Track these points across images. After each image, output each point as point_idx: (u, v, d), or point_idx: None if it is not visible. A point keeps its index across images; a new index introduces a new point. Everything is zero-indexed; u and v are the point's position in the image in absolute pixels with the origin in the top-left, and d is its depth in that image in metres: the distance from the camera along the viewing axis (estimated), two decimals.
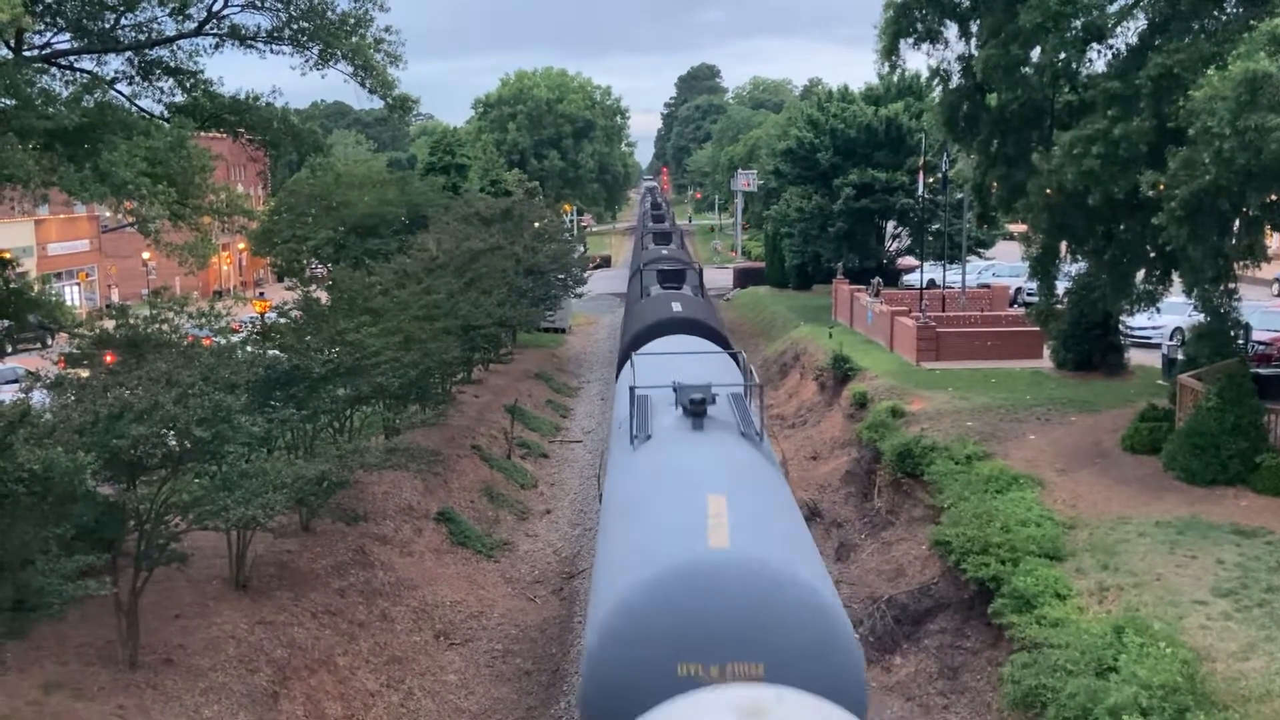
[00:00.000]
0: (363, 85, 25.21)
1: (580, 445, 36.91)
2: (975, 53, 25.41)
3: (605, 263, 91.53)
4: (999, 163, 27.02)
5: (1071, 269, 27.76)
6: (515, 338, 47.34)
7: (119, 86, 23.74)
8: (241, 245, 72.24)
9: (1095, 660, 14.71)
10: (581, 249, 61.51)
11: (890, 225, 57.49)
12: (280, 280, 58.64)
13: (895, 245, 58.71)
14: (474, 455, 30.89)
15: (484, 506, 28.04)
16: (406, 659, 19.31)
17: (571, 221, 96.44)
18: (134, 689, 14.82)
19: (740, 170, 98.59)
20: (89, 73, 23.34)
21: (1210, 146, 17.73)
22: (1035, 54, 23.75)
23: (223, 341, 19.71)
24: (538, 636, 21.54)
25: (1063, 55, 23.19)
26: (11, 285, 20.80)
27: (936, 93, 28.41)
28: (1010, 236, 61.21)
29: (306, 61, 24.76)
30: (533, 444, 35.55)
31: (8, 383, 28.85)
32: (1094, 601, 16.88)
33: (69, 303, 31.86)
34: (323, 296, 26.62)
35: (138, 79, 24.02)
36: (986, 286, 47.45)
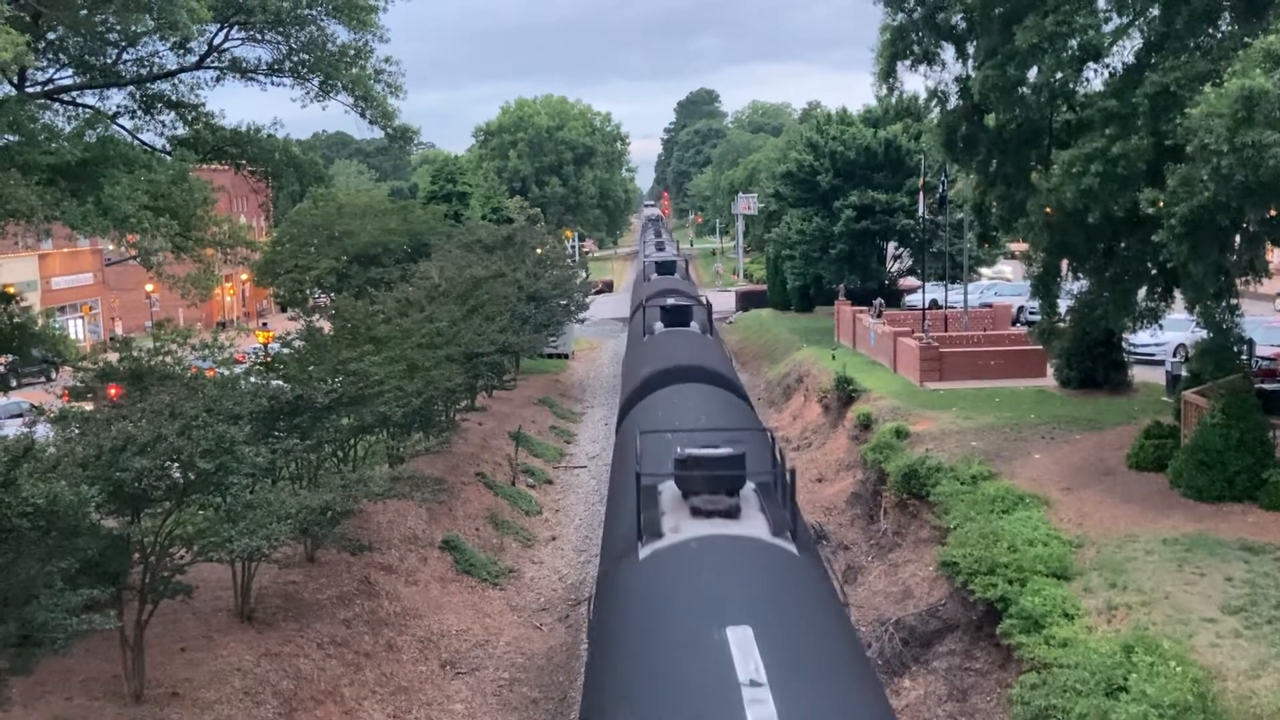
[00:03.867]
0: (363, 116, 25.42)
1: (585, 471, 36.85)
2: (972, 74, 25.48)
3: (608, 288, 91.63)
4: (998, 182, 27.07)
5: (1073, 287, 27.78)
6: (519, 364, 47.36)
7: (121, 121, 23.96)
8: (244, 276, 72.44)
9: (1105, 680, 14.62)
10: (584, 274, 61.64)
11: (891, 246, 57.58)
12: (283, 310, 58.75)
13: (896, 266, 58.78)
14: (478, 483, 30.85)
15: (489, 534, 27.97)
16: (413, 689, 19.22)
17: (573, 247, 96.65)
18: None
19: (741, 194, 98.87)
20: (91, 108, 23.53)
21: (1208, 163, 17.77)
22: (1032, 74, 23.82)
23: (226, 373, 19.74)
24: (544, 664, 21.44)
25: (1059, 75, 23.26)
26: (15, 320, 20.89)
27: (934, 114, 28.45)
28: (1011, 255, 61.43)
29: (307, 93, 24.99)
30: (537, 470, 35.51)
31: (12, 416, 28.87)
32: (1103, 620, 16.79)
33: (73, 336, 31.95)
34: (326, 326, 26.67)
35: (140, 113, 24.23)
36: (989, 306, 47.47)
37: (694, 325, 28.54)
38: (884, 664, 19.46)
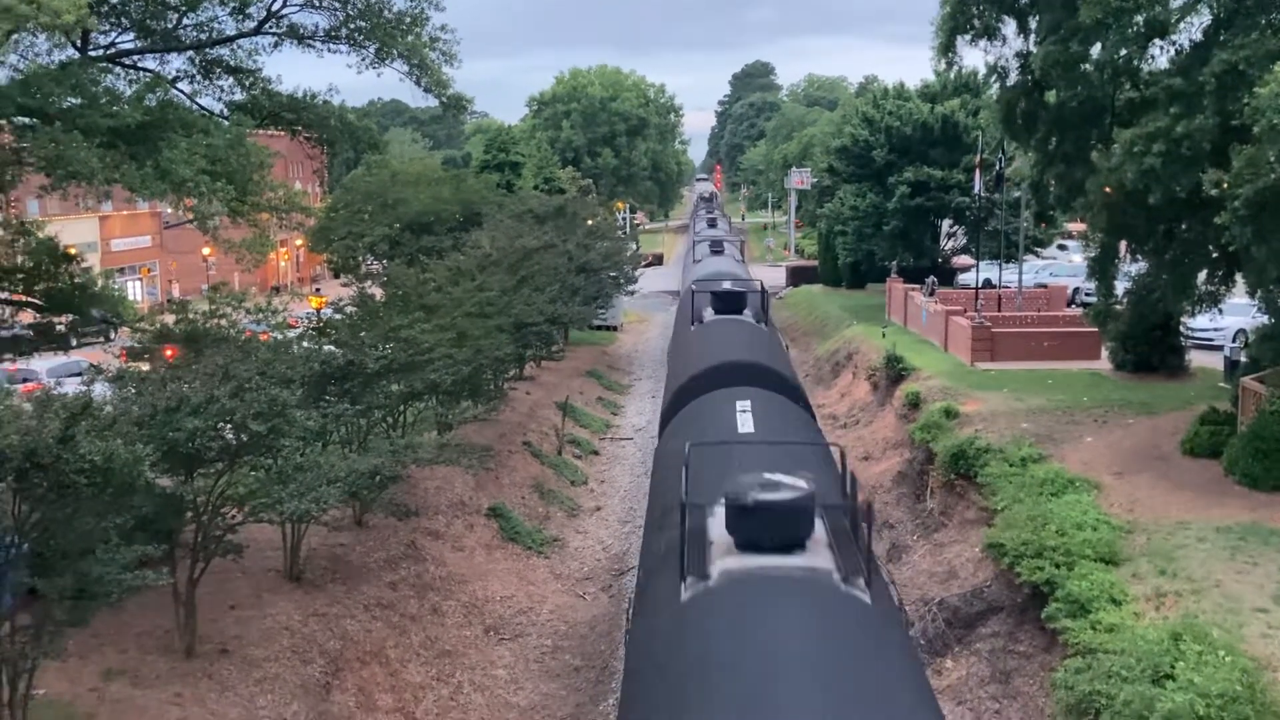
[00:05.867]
0: (418, 84, 25.44)
1: (631, 443, 36.94)
2: (1034, 49, 25.06)
3: (658, 260, 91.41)
4: (1057, 161, 26.65)
5: (1131, 269, 27.31)
6: (568, 335, 47.47)
7: (180, 85, 24.17)
8: (299, 242, 73.18)
9: (1151, 667, 14.44)
10: (634, 247, 61.53)
11: (946, 224, 56.93)
12: (336, 276, 59.28)
13: (950, 244, 58.09)
14: (525, 451, 31.05)
15: (534, 503, 28.18)
16: (456, 653, 19.47)
17: (624, 219, 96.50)
18: (191, 678, 15.10)
19: (794, 168, 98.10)
20: (151, 72, 23.76)
21: (1275, 144, 17.36)
22: (1096, 50, 23.37)
23: (280, 337, 19.98)
24: (587, 633, 21.60)
25: (1124, 52, 22.80)
26: (76, 280, 21.25)
27: (994, 90, 28.05)
28: (1069, 235, 60.43)
29: (363, 60, 25.04)
30: (583, 441, 35.66)
31: (71, 375, 29.46)
32: (1151, 607, 16.58)
33: (131, 298, 32.47)
34: (378, 293, 26.89)
35: (198, 78, 24.43)
36: (1044, 286, 46.82)
37: (814, 532, 10.92)
38: (926, 644, 19.39)
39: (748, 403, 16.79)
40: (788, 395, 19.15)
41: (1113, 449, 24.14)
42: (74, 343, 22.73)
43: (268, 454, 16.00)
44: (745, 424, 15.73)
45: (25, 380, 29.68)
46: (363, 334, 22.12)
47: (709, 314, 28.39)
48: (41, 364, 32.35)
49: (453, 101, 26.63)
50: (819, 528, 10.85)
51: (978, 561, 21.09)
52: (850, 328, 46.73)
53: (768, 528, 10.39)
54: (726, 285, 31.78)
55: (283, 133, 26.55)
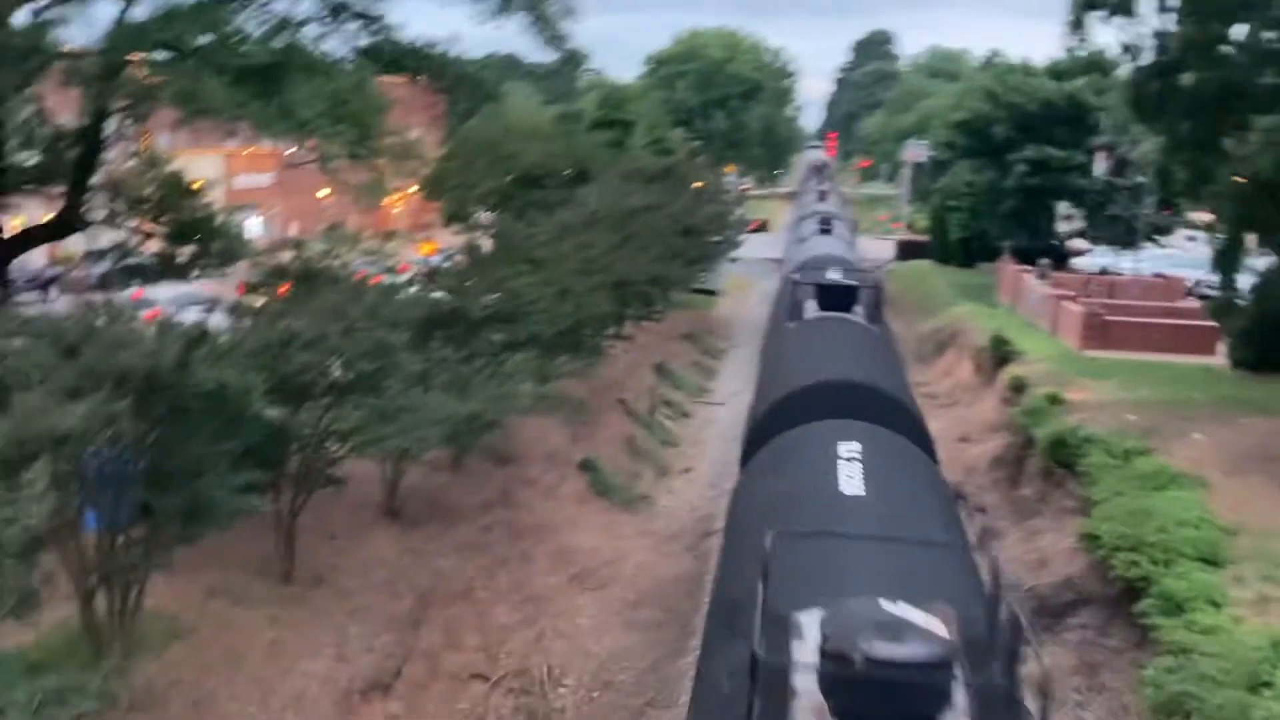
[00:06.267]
0: (537, 36, 25.57)
1: (723, 407, 36.94)
2: (1171, 28, 24.16)
3: (763, 227, 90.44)
4: (1187, 146, 25.72)
5: (1259, 263, 26.31)
6: (667, 297, 47.49)
7: (307, 28, 24.65)
8: (413, 189, 74.30)
9: (1248, 673, 14.05)
10: (740, 212, 61.11)
11: (1063, 206, 55.40)
12: (447, 225, 60.11)
13: (1067, 227, 56.54)
14: (619, 409, 31.30)
15: (625, 460, 28.42)
16: (542, 599, 19.83)
17: (732, 184, 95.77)
18: (287, 602, 15.67)
19: (911, 140, 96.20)
20: (280, 14, 24.29)
21: None
22: (1238, 31, 22.44)
23: (391, 280, 20.45)
24: (670, 590, 21.79)
25: (1269, 34, 21.85)
26: (199, 215, 22.01)
27: (1125, 69, 27.14)
28: (1194, 226, 58.30)
29: (485, 10, 25.23)
30: (676, 403, 35.77)
31: (192, 304, 30.49)
32: (1253, 612, 16.08)
33: (250, 234, 33.48)
34: (487, 244, 27.26)
35: (326, 20, 24.88)
36: (1161, 276, 45.36)
37: (953, 701, 6.86)
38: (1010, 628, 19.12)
39: (855, 445, 12.27)
40: (907, 433, 14.81)
41: (1223, 447, 23.37)
42: (194, 273, 23.53)
43: (373, 393, 16.42)
44: (851, 481, 11.27)
45: (146, 307, 30.86)
46: (469, 283, 22.48)
47: (811, 309, 23.50)
48: (163, 292, 33.59)
49: (569, 56, 26.72)
50: (958, 694, 6.95)
51: (1071, 552, 20.69)
52: (957, 306, 45.91)
53: (884, 702, 6.73)
54: (834, 274, 26.55)
55: (404, 79, 26.95)
